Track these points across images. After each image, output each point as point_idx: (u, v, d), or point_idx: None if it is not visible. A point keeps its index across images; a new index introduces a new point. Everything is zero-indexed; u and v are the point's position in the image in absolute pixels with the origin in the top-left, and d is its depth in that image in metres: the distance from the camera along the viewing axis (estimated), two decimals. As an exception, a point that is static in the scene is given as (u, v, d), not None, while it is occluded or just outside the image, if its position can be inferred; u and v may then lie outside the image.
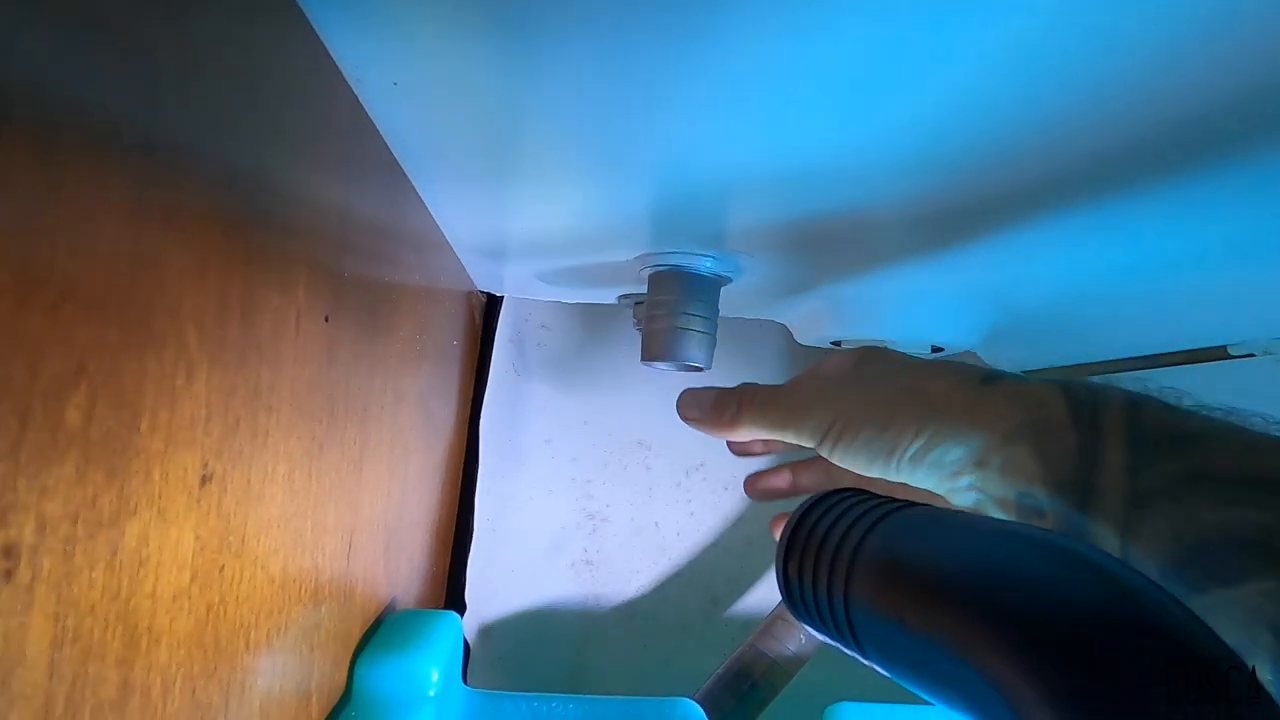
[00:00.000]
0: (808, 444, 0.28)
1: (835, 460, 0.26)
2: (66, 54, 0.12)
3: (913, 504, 0.22)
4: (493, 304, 0.65)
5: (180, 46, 0.15)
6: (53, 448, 0.13)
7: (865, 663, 0.21)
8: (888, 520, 0.20)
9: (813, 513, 0.23)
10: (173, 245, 0.16)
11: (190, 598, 0.18)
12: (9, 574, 0.12)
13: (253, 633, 0.22)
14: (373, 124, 0.28)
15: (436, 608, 0.55)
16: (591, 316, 0.68)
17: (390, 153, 0.30)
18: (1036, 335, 0.56)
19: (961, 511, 0.20)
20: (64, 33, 0.12)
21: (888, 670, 0.20)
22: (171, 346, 0.16)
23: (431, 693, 0.33)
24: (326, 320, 0.25)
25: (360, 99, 0.26)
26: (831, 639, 0.22)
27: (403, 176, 0.33)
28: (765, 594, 0.66)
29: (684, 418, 0.34)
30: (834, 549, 0.21)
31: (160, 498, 0.16)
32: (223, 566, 0.19)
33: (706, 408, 0.32)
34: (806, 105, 0.24)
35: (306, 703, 0.27)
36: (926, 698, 0.19)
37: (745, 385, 0.31)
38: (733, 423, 0.30)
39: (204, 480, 0.18)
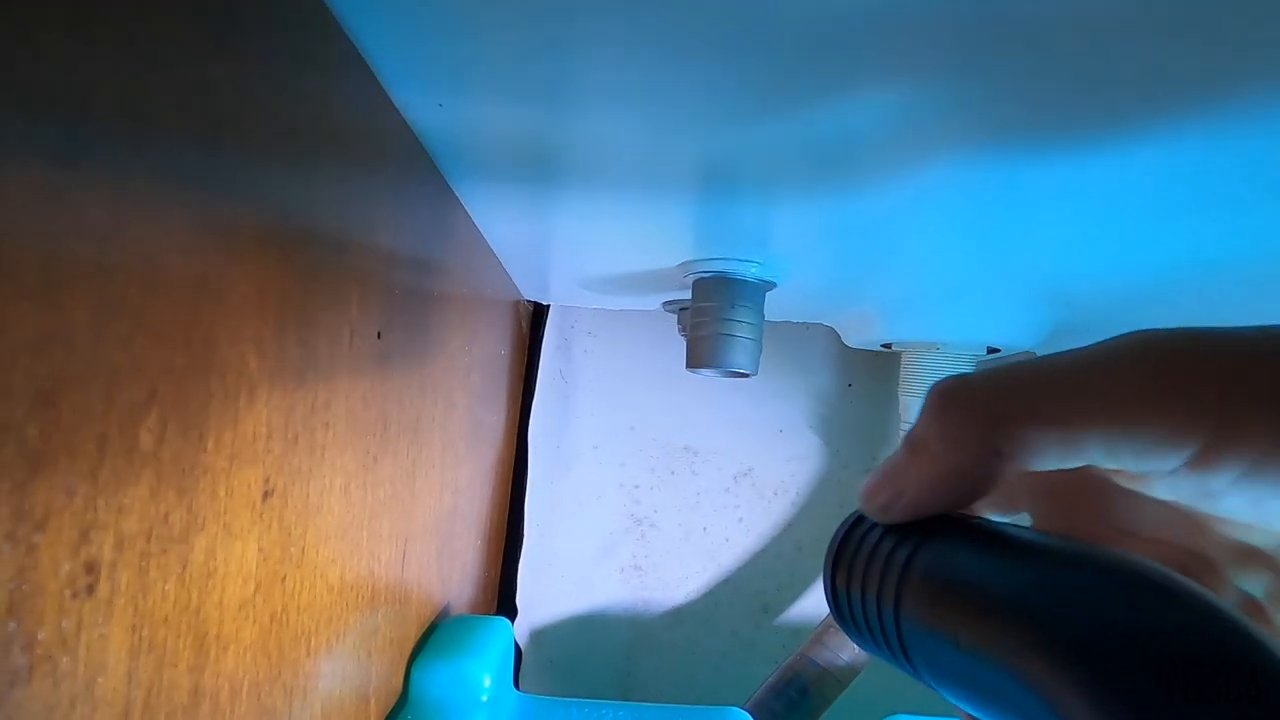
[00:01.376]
0: (1167, 461, 0.13)
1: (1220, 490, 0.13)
2: (132, 97, 0.13)
3: (969, 516, 0.21)
4: (539, 312, 0.66)
5: (239, 86, 0.16)
6: (128, 469, 0.13)
7: (917, 680, 0.20)
8: (943, 531, 0.20)
9: (864, 521, 0.23)
10: (233, 274, 0.17)
11: (255, 607, 0.19)
12: (91, 589, 0.13)
13: (313, 639, 0.22)
14: (418, 142, 0.29)
15: (489, 612, 0.56)
16: (637, 323, 0.68)
17: (435, 167, 0.31)
18: (1100, 333, 0.53)
19: (1027, 528, 0.19)
20: (130, 74, 0.13)
21: (940, 688, 0.19)
22: (233, 369, 0.17)
23: (484, 698, 0.33)
24: (379, 336, 0.26)
25: (406, 120, 0.27)
26: (881, 655, 0.21)
27: (448, 190, 0.34)
28: (817, 601, 0.65)
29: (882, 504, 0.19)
30: (884, 560, 0.21)
31: (225, 513, 0.17)
32: (284, 577, 0.20)
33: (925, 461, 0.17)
34: (855, 101, 0.24)
35: (365, 706, 0.28)
36: (984, 717, 0.18)
37: (960, 384, 0.15)
38: (1003, 447, 0.15)
39: (266, 495, 0.19)
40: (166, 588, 0.15)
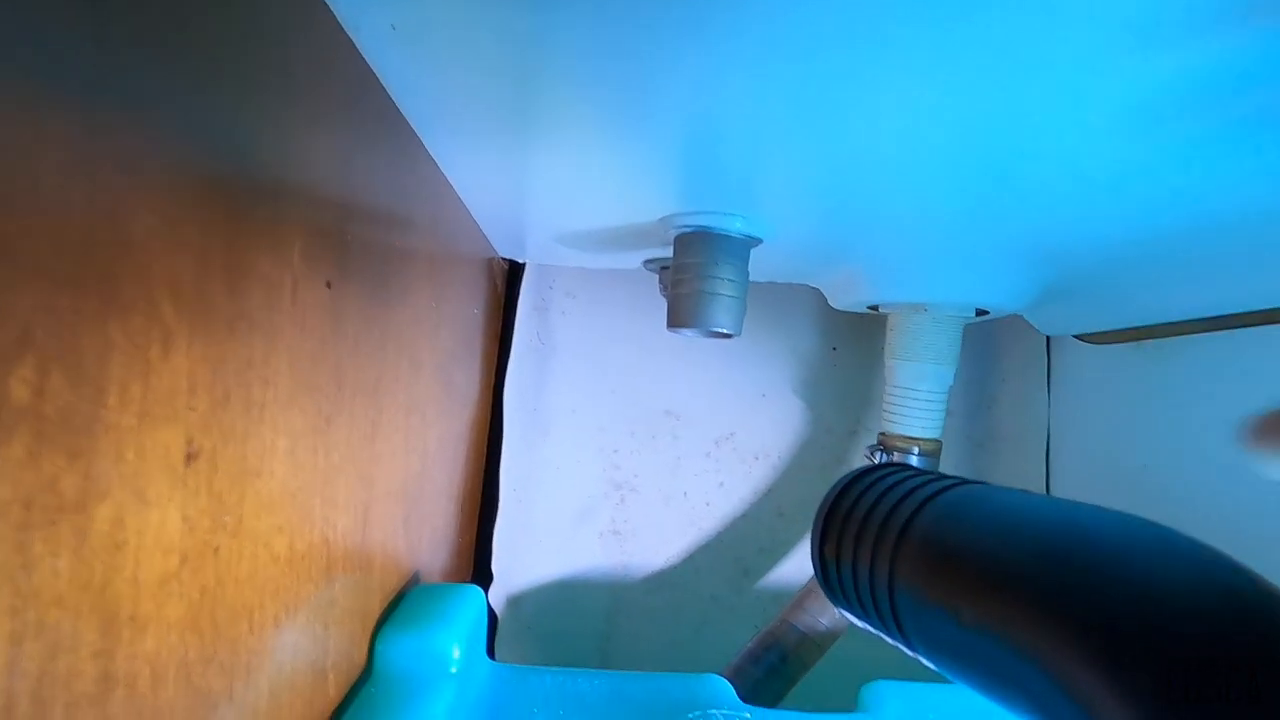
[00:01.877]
0: None
1: None
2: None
3: (965, 481, 0.20)
4: (515, 271, 0.64)
5: (133, -27, 0.14)
6: (-4, 426, 0.11)
7: (910, 654, 0.19)
8: (940, 498, 0.18)
9: (853, 489, 0.21)
10: (137, 205, 0.14)
11: (181, 581, 0.17)
12: (-52, 567, 0.10)
13: (257, 614, 0.21)
14: (374, 75, 0.26)
15: (463, 579, 0.54)
16: (617, 283, 0.66)
17: (395, 108, 0.29)
18: (1090, 296, 0.52)
19: (1028, 491, 0.18)
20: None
21: (935, 664, 0.18)
22: (141, 314, 0.14)
23: (453, 669, 0.32)
24: (329, 287, 0.24)
25: (358, 46, 0.24)
26: (872, 627, 0.20)
27: (410, 134, 0.31)
28: (797, 566, 0.65)
29: None
30: (877, 530, 0.19)
31: (137, 477, 0.15)
32: (217, 547, 0.18)
33: None
34: (848, 51, 0.21)
35: (323, 681, 0.27)
36: (982, 695, 0.17)
37: None
38: None
39: (190, 458, 0.16)
40: (58, 564, 0.13)
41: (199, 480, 0.17)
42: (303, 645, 0.24)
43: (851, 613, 0.21)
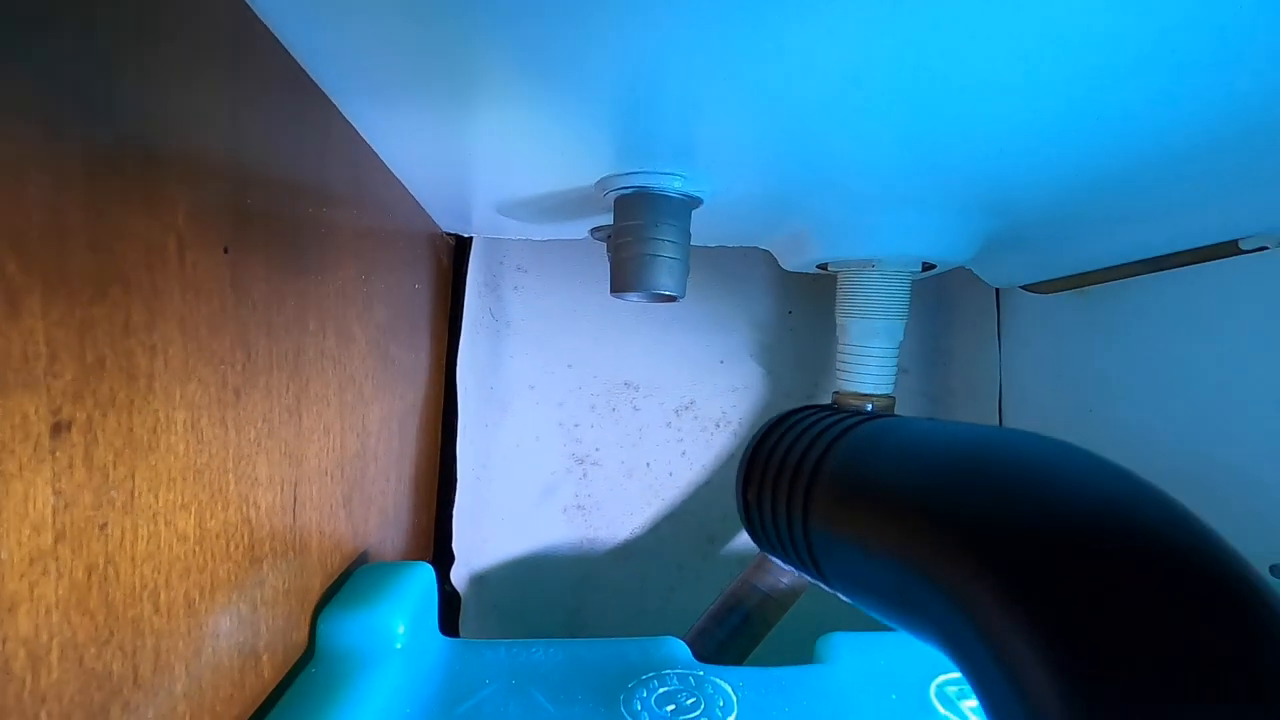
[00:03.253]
0: None
1: None
2: None
3: (880, 415, 0.19)
4: (463, 246, 0.63)
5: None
6: None
7: (828, 590, 0.19)
8: (849, 435, 0.18)
9: (773, 433, 0.21)
10: (-39, 148, 0.13)
11: (58, 559, 0.16)
12: None
13: (163, 594, 0.20)
14: (268, 29, 0.25)
15: (424, 559, 0.54)
16: (568, 255, 0.65)
17: (298, 66, 0.27)
18: (1035, 244, 0.52)
19: (935, 419, 0.18)
20: None
21: (850, 598, 0.18)
22: (-26, 270, 0.13)
23: (398, 645, 0.31)
24: (226, 251, 0.22)
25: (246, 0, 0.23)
26: (794, 567, 0.20)
27: (321, 97, 0.30)
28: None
29: None
30: (792, 470, 0.19)
31: (-11, 448, 0.14)
32: (104, 524, 0.17)
33: None
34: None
35: (255, 662, 0.26)
36: (894, 627, 0.17)
37: None
38: None
39: (58, 428, 0.15)
40: (-113, 538, 0.12)
41: (73, 453, 0.16)
42: (226, 626, 0.23)
43: (774, 554, 0.21)
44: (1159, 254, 0.46)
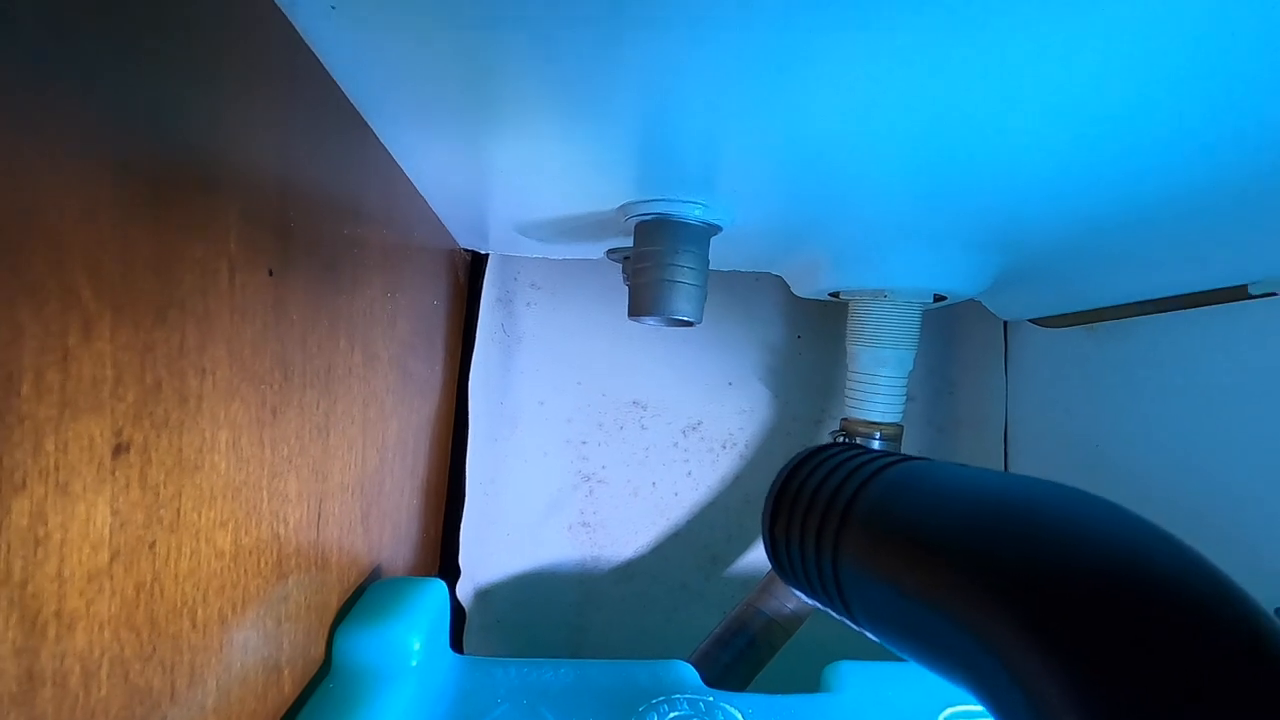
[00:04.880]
0: None
1: None
2: None
3: (910, 457, 0.20)
4: (478, 262, 0.63)
5: (37, -57, 0.13)
6: (-107, 415, 0.11)
7: (855, 628, 0.19)
8: (882, 475, 0.19)
9: (802, 469, 0.22)
10: (47, 183, 0.14)
11: (113, 577, 0.16)
12: None
13: (200, 610, 0.20)
14: (315, 57, 0.25)
15: (430, 574, 0.54)
16: (582, 273, 0.66)
17: (340, 91, 0.28)
18: (1044, 280, 0.53)
19: (969, 465, 0.18)
20: None
21: (877, 635, 0.18)
22: (56, 299, 0.14)
23: (414, 662, 0.32)
24: (271, 274, 0.23)
25: (295, 26, 0.23)
26: (819, 602, 0.20)
27: (358, 120, 0.31)
28: (765, 553, 0.65)
29: None
30: (823, 508, 0.19)
31: (59, 470, 0.14)
32: (153, 542, 0.18)
33: None
34: (807, 51, 0.21)
35: (277, 676, 0.26)
36: (921, 665, 0.17)
37: None
38: None
39: (118, 449, 0.16)
40: (-30, 558, 0.12)
41: (130, 473, 0.16)
42: (253, 641, 0.24)
43: (800, 589, 0.21)
44: (1168, 294, 0.47)
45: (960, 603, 0.15)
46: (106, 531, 0.16)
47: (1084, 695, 0.12)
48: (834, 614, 0.20)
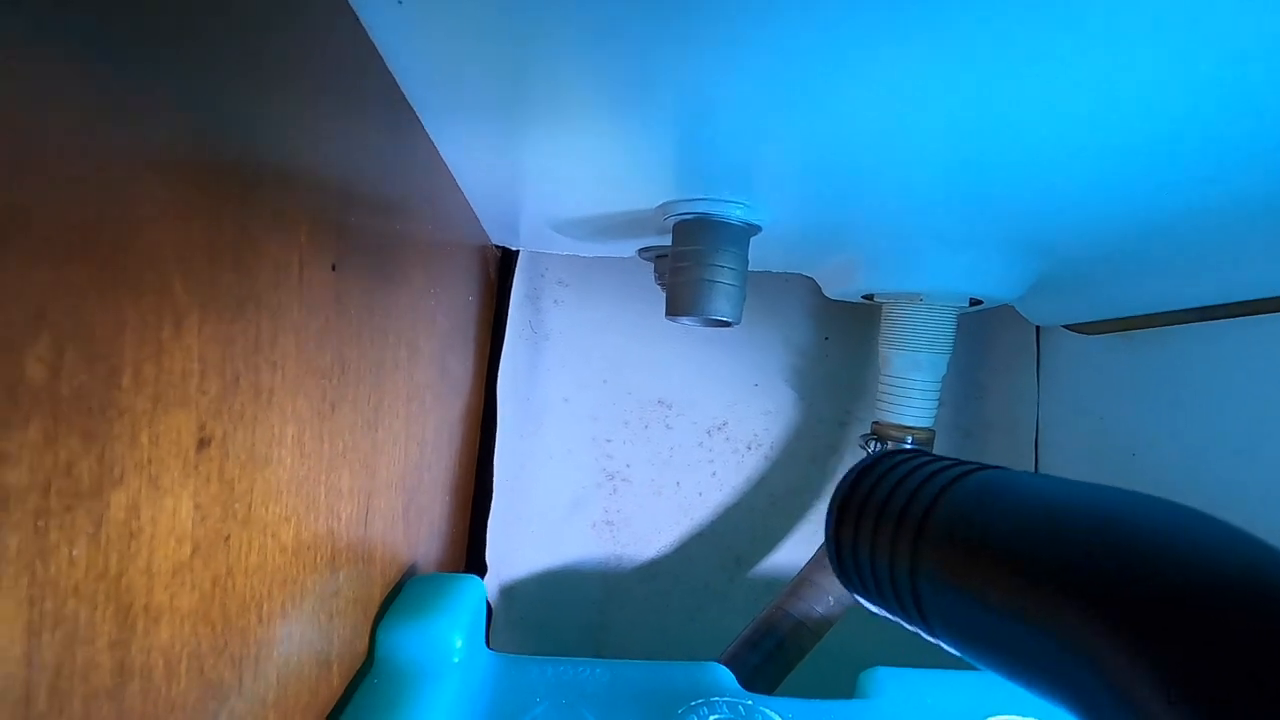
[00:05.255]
0: None
1: None
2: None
3: (985, 466, 0.20)
4: (508, 259, 0.63)
5: (145, -66, 0.13)
6: (13, 407, 0.11)
7: (930, 639, 0.19)
8: (962, 483, 0.18)
9: (870, 474, 0.21)
10: (147, 178, 0.14)
11: (193, 571, 0.16)
12: (-34, 555, 0.10)
13: (265, 604, 0.20)
14: (377, 52, 0.25)
15: (457, 569, 0.54)
16: (610, 272, 0.65)
17: (397, 86, 0.28)
18: (1081, 286, 0.52)
19: (1047, 475, 0.18)
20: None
21: (958, 649, 0.18)
22: (152, 292, 0.14)
23: (456, 659, 0.32)
24: (334, 269, 0.23)
25: (362, 21, 0.23)
26: (891, 613, 0.20)
27: (410, 113, 0.30)
28: (789, 554, 0.65)
29: None
30: (897, 516, 0.19)
31: (151, 464, 0.14)
32: (228, 536, 0.18)
33: None
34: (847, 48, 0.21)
35: (327, 671, 0.26)
36: (1007, 679, 0.17)
37: None
38: None
39: (201, 444, 0.16)
40: (75, 552, 0.12)
41: (211, 467, 0.16)
42: (309, 636, 0.24)
43: (867, 599, 0.21)
44: (1207, 304, 0.46)
45: (1053, 614, 0.15)
46: (189, 525, 0.16)
47: (1184, 702, 0.12)
48: (907, 625, 0.19)
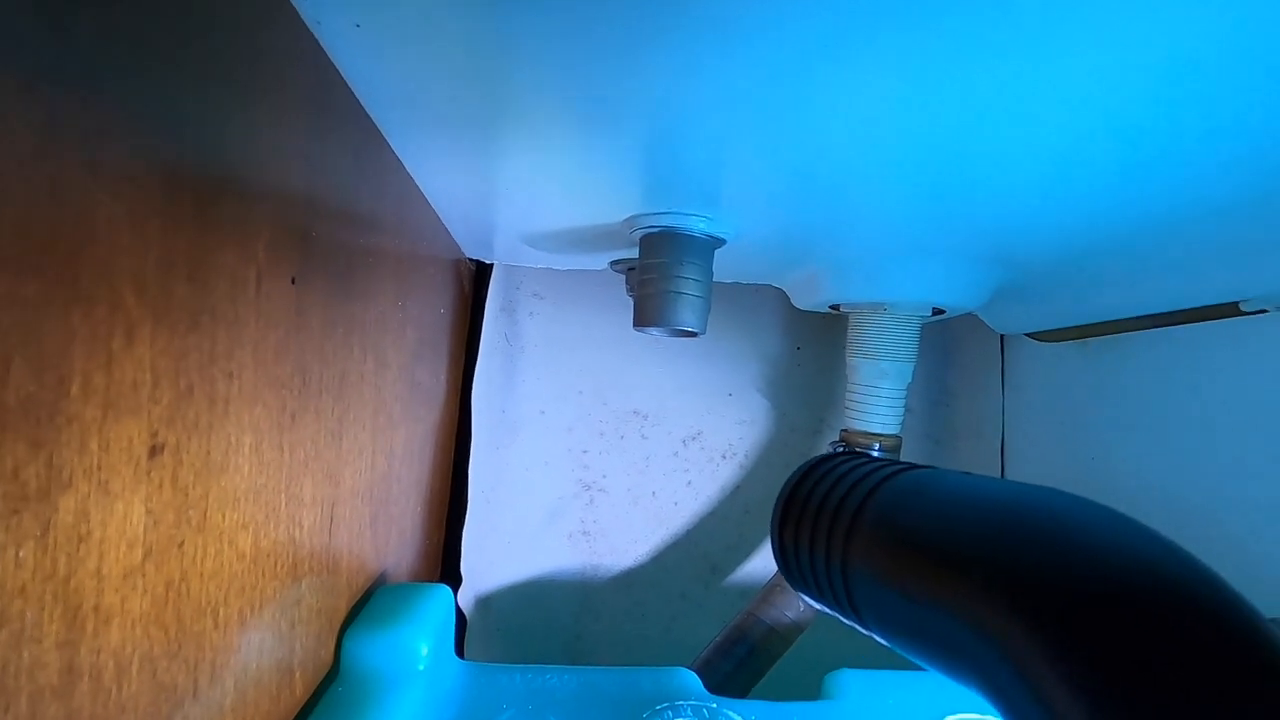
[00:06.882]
0: None
1: None
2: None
3: (916, 466, 0.21)
4: (482, 272, 0.64)
5: (96, -33, 0.14)
6: (-41, 414, 0.11)
7: (864, 632, 0.20)
8: (890, 483, 0.19)
9: (810, 477, 0.22)
10: (100, 195, 0.14)
11: (145, 575, 0.17)
12: (-90, 553, 0.11)
13: (222, 610, 0.21)
14: (338, 72, 0.26)
15: (431, 580, 0.54)
16: (585, 284, 0.66)
17: (360, 106, 0.29)
18: (1040, 295, 0.54)
19: (972, 474, 0.19)
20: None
21: (887, 640, 0.19)
22: (104, 304, 0.14)
23: (421, 667, 0.32)
24: (293, 282, 0.24)
25: (321, 44, 0.24)
26: (829, 607, 0.21)
27: (375, 133, 0.31)
28: (764, 562, 0.66)
29: None
30: (832, 514, 0.20)
31: (101, 469, 0.15)
32: (182, 542, 0.18)
33: None
34: (802, 66, 0.22)
35: (289, 679, 0.26)
36: (929, 668, 0.18)
37: None
38: None
39: (154, 451, 0.16)
40: (21, 553, 0.13)
41: (163, 474, 0.17)
42: (268, 643, 0.24)
43: (809, 595, 0.22)
44: (1162, 311, 0.48)
45: (969, 606, 0.16)
46: (141, 530, 0.16)
47: (1090, 697, 0.13)
48: (844, 619, 0.20)
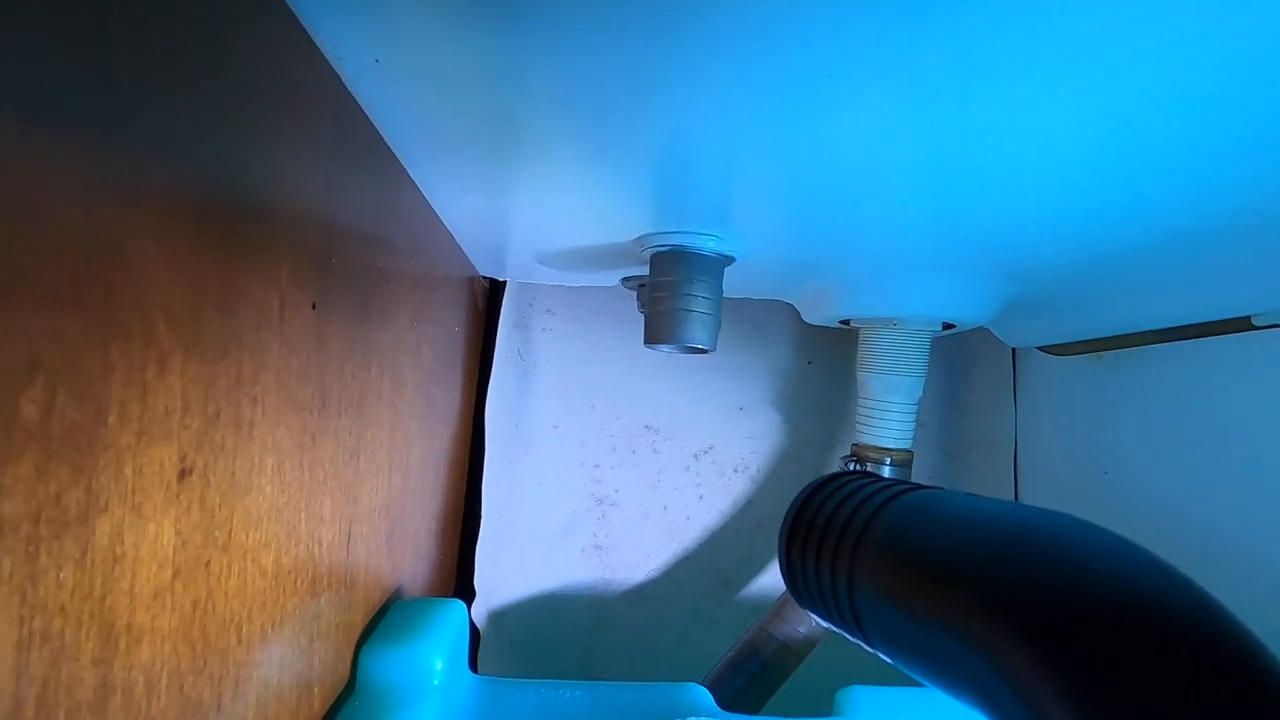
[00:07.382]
0: None
1: None
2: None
3: (921, 486, 0.21)
4: (495, 289, 0.65)
5: (136, 22, 0.15)
6: (7, 444, 0.12)
7: (869, 649, 0.20)
8: (895, 503, 0.20)
9: (817, 495, 0.23)
10: (136, 231, 0.15)
11: (174, 594, 0.17)
12: (-37, 576, 0.11)
13: (245, 627, 0.21)
14: (357, 104, 0.27)
15: (445, 594, 0.55)
16: (596, 300, 0.67)
17: (378, 134, 0.30)
18: (1052, 309, 0.54)
19: (976, 495, 0.19)
20: (-2, 5, 0.12)
21: (892, 658, 0.19)
22: (139, 337, 0.15)
23: (436, 682, 0.32)
24: (314, 308, 0.24)
25: (342, 78, 0.25)
26: (834, 625, 0.21)
27: (392, 159, 0.32)
28: (777, 576, 0.66)
29: None
30: (839, 533, 0.20)
31: (134, 493, 0.15)
32: (208, 561, 0.19)
33: None
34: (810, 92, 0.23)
35: (308, 694, 0.27)
36: (932, 687, 0.18)
37: None
38: None
39: (183, 474, 0.17)
40: (62, 575, 0.13)
41: (192, 496, 0.18)
42: (289, 658, 0.25)
43: (815, 612, 0.22)
44: (1174, 324, 0.48)
45: (969, 625, 0.16)
46: (170, 550, 0.17)
47: (1085, 716, 0.13)
48: (849, 636, 0.21)
